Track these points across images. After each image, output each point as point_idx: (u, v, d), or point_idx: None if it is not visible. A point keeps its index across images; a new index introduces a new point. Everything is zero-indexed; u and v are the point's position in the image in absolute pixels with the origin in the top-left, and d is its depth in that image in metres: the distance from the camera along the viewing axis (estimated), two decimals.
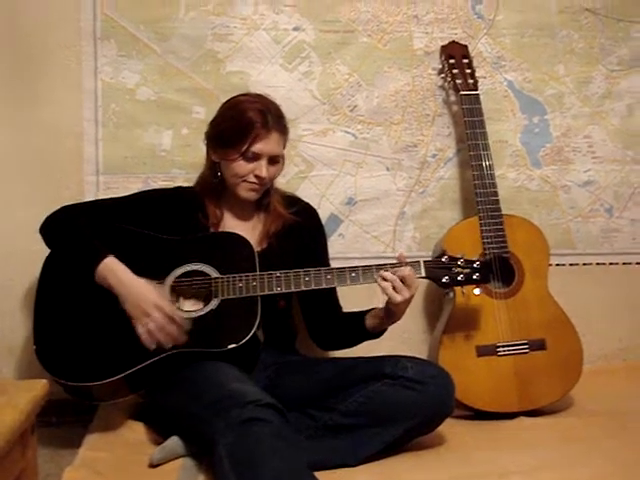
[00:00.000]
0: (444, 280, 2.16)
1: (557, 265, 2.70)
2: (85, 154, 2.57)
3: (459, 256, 2.17)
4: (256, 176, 2.19)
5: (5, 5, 2.52)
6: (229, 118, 2.23)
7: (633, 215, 2.84)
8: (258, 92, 2.46)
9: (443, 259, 2.17)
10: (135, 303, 2.02)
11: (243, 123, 2.17)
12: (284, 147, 2.26)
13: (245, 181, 2.20)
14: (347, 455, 1.99)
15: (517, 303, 2.44)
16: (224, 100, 2.31)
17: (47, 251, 2.20)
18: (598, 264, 2.83)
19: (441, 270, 2.16)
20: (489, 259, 2.36)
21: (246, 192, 2.23)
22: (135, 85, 2.58)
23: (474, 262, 2.17)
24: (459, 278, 2.16)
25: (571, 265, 2.80)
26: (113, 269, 2.05)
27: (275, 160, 2.21)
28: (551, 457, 2.01)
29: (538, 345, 2.42)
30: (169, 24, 2.58)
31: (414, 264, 2.13)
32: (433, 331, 2.59)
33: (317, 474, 1.75)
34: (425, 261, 2.16)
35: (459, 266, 2.16)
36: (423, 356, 2.47)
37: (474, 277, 2.16)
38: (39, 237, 2.19)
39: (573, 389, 2.45)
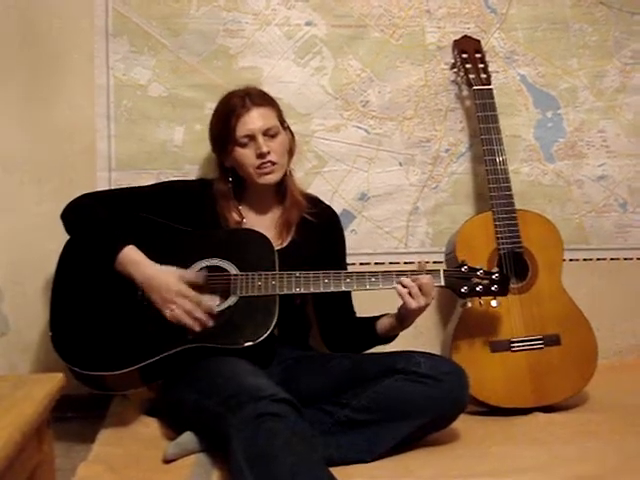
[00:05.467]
0: (463, 290, 2.17)
1: (570, 260, 2.68)
2: (97, 150, 2.57)
3: (478, 267, 2.20)
4: (259, 156, 2.19)
5: (19, 3, 2.53)
6: (216, 117, 2.29)
7: None
8: (270, 87, 2.47)
9: (462, 269, 2.19)
10: (159, 292, 2.04)
11: (225, 114, 2.23)
12: (279, 120, 2.27)
13: (255, 168, 2.21)
14: (361, 451, 1.99)
15: (531, 298, 2.44)
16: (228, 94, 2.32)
17: (61, 247, 2.20)
18: (612, 259, 2.83)
19: (460, 280, 2.18)
20: (507, 272, 2.36)
21: (262, 177, 2.23)
22: (147, 81, 2.58)
23: (493, 274, 2.19)
24: (478, 289, 2.17)
25: (585, 260, 2.80)
26: (133, 258, 2.06)
27: (271, 134, 2.22)
28: (566, 453, 1.99)
29: (553, 340, 2.41)
30: (181, 20, 2.58)
31: (434, 273, 2.14)
32: (446, 327, 2.58)
33: (331, 470, 1.75)
34: (445, 270, 2.18)
35: (478, 277, 2.18)
36: (436, 352, 2.45)
37: (492, 289, 2.18)
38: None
39: (588, 385, 2.43)
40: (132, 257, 2.07)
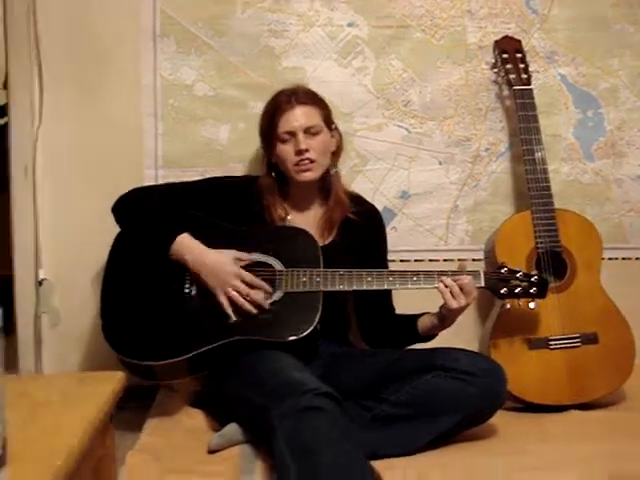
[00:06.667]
0: (502, 292, 2.22)
1: (609, 259, 2.69)
2: (145, 148, 2.64)
3: (518, 269, 2.23)
4: (297, 152, 2.25)
5: (69, 7, 2.60)
6: (264, 113, 2.35)
7: None
8: (313, 87, 2.48)
9: (502, 271, 2.23)
10: (215, 275, 2.12)
11: (271, 110, 2.29)
12: (324, 120, 2.31)
13: (293, 164, 2.27)
14: (399, 445, 2.02)
15: (569, 297, 2.46)
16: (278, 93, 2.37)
17: (109, 241, 2.27)
18: None
19: (500, 282, 2.22)
20: (546, 272, 2.37)
21: (300, 175, 2.28)
22: (193, 81, 2.63)
23: (532, 276, 2.23)
24: (517, 291, 2.22)
25: (624, 259, 2.80)
26: (189, 244, 2.14)
27: (313, 132, 2.27)
28: (602, 451, 2.01)
29: (590, 339, 2.44)
30: (226, 21, 2.63)
31: (474, 274, 2.18)
32: (484, 324, 2.61)
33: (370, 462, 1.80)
34: (485, 272, 2.22)
35: (517, 279, 2.22)
36: (474, 348, 2.48)
37: (531, 291, 2.22)
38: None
39: (625, 383, 2.45)
40: (188, 243, 2.14)
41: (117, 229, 2.28)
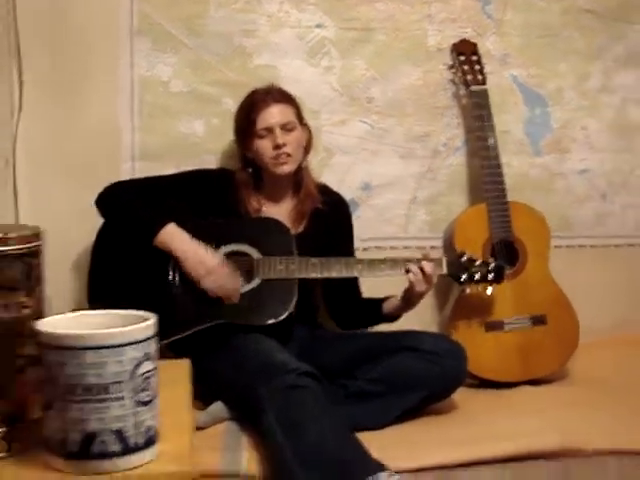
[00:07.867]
0: (462, 278, 2.41)
1: (555, 247, 2.83)
2: (122, 142, 2.71)
3: (477, 257, 2.43)
4: (275, 147, 2.38)
5: (50, 6, 2.65)
6: (240, 111, 2.48)
7: (624, 200, 3.06)
8: (284, 85, 2.59)
9: (463, 259, 2.41)
10: (195, 265, 2.24)
11: (248, 108, 2.42)
12: (297, 117, 2.46)
13: (271, 158, 2.40)
14: (371, 419, 2.17)
15: (521, 283, 2.66)
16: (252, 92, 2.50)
17: (89, 231, 2.39)
18: (592, 246, 3.04)
19: (460, 269, 2.41)
20: (502, 263, 2.52)
21: (278, 168, 2.41)
22: (168, 78, 2.72)
23: (490, 264, 2.43)
24: (476, 277, 2.41)
25: (568, 247, 2.98)
26: (174, 233, 2.26)
27: (288, 128, 2.40)
28: (554, 419, 2.20)
29: (539, 320, 2.64)
30: (201, 21, 2.72)
31: (437, 261, 2.37)
32: (444, 308, 2.77)
33: None
34: (447, 260, 2.41)
35: (476, 266, 2.41)
36: (434, 331, 2.68)
37: (489, 278, 2.42)
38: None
39: (570, 360, 2.67)
40: (174, 232, 2.26)
41: (97, 219, 2.38)
